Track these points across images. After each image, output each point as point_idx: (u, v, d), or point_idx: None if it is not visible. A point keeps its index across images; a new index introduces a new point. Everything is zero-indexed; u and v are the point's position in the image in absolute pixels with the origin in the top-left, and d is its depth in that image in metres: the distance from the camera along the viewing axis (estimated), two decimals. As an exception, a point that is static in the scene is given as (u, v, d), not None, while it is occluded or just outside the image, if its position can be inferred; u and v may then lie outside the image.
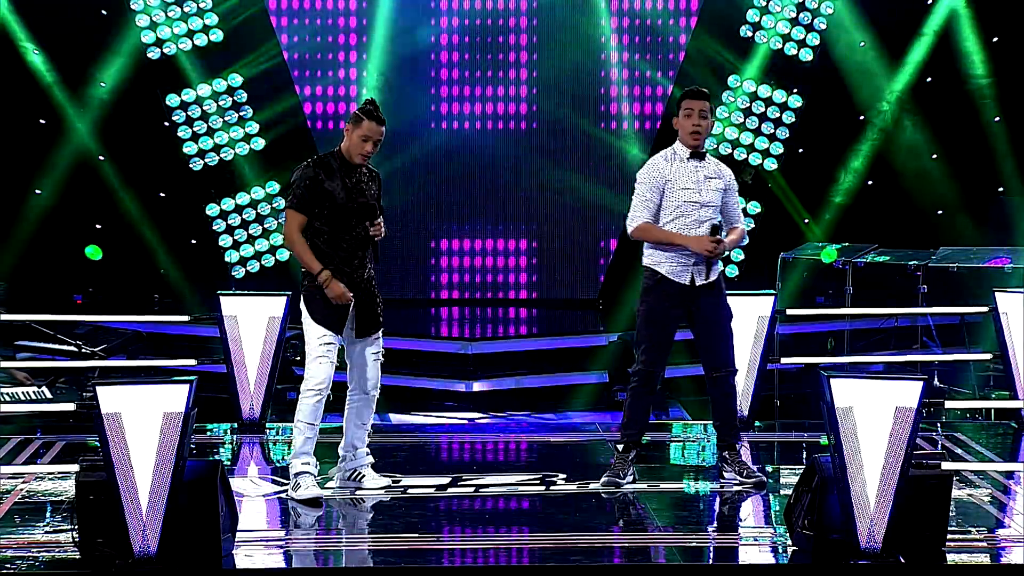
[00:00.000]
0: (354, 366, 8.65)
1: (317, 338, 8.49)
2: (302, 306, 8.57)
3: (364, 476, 8.75)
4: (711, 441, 10.55)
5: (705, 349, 8.87)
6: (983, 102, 16.43)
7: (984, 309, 11.54)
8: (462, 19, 16.70)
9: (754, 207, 16.73)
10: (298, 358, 12.82)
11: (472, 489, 8.82)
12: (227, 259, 16.27)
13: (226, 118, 16.39)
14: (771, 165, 16.69)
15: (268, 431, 10.58)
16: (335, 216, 8.44)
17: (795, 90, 16.60)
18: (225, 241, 16.48)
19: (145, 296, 16.11)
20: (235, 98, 16.40)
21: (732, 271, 16.75)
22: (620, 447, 8.83)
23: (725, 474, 8.88)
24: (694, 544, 7.76)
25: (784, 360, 11.92)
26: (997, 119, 16.43)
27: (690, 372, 13.10)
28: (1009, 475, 9.28)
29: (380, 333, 8.69)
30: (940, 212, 16.50)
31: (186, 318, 12.45)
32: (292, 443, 8.58)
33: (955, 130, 16.46)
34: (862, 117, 16.66)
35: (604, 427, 10.86)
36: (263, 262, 16.58)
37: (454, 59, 16.76)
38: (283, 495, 8.57)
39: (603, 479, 8.80)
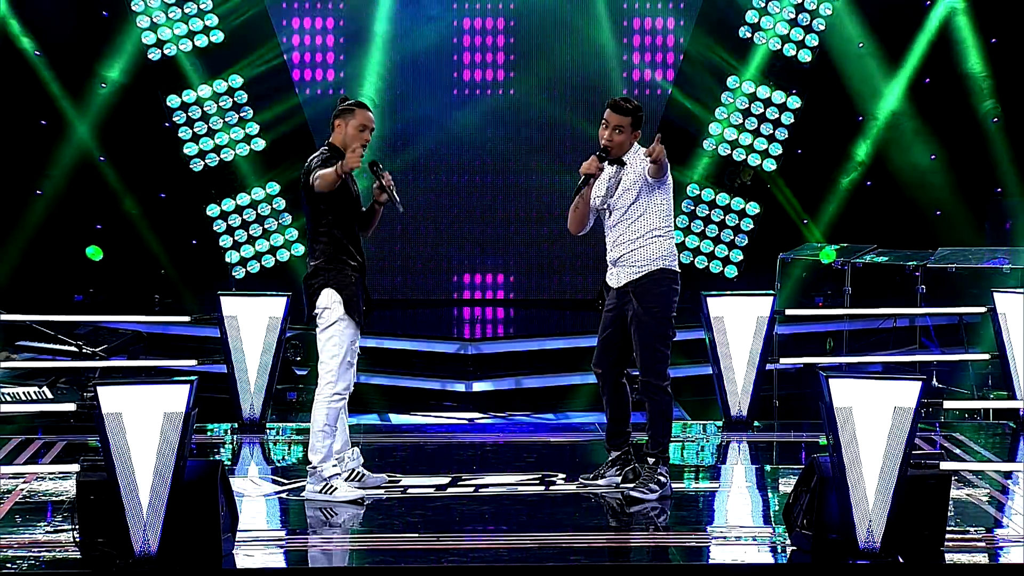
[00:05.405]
0: (352, 364, 8.64)
1: (351, 342, 8.41)
2: (331, 304, 8.36)
3: (364, 476, 8.75)
4: (710, 441, 10.58)
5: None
6: (981, 102, 16.44)
7: (982, 309, 11.57)
8: (460, 19, 16.71)
9: (753, 208, 16.74)
10: (298, 358, 12.82)
11: (472, 489, 8.84)
12: (227, 259, 16.28)
13: (226, 119, 16.41)
14: (770, 166, 16.70)
15: (268, 431, 10.59)
16: (343, 206, 8.44)
17: (793, 91, 16.61)
18: (225, 241, 16.49)
19: (145, 296, 16.12)
20: (235, 99, 16.41)
21: (731, 271, 16.77)
22: (651, 460, 8.51)
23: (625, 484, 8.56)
24: (694, 544, 7.78)
25: (783, 360, 11.94)
26: (996, 119, 16.44)
27: (690, 372, 13.12)
28: (1007, 475, 9.30)
29: None
30: (939, 212, 16.51)
31: (186, 318, 12.48)
32: (311, 448, 8.44)
33: (953, 130, 16.47)
34: (860, 118, 16.69)
35: (603, 427, 10.85)
36: (263, 262, 16.58)
37: (452, 59, 16.76)
38: (315, 497, 8.44)
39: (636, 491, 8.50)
